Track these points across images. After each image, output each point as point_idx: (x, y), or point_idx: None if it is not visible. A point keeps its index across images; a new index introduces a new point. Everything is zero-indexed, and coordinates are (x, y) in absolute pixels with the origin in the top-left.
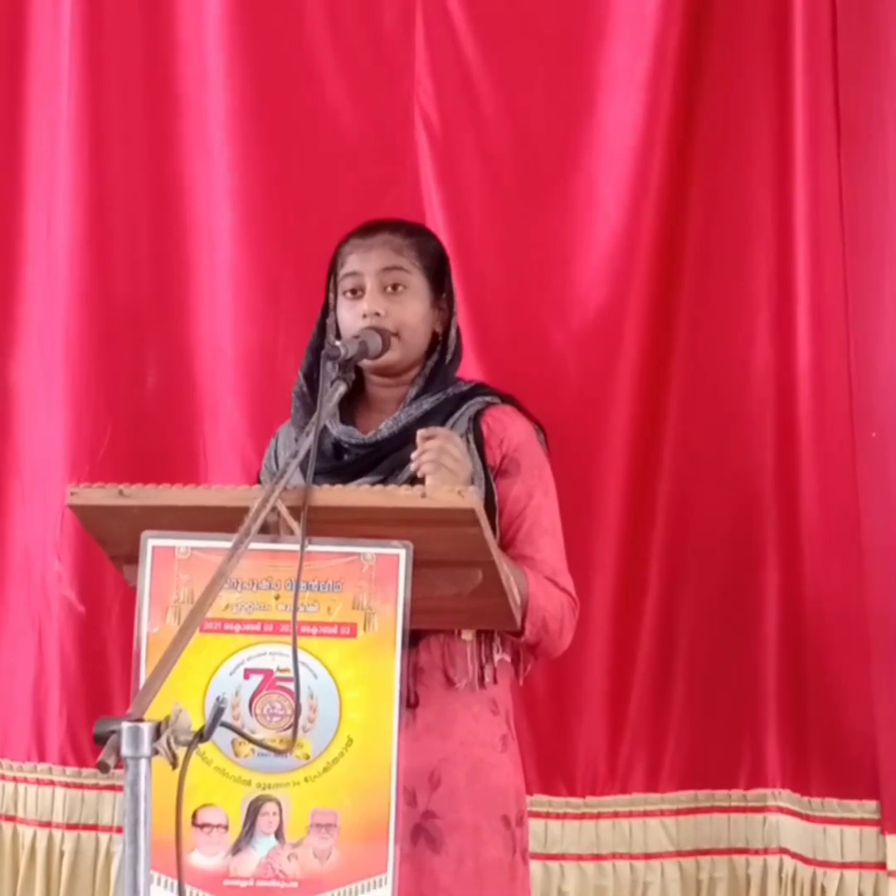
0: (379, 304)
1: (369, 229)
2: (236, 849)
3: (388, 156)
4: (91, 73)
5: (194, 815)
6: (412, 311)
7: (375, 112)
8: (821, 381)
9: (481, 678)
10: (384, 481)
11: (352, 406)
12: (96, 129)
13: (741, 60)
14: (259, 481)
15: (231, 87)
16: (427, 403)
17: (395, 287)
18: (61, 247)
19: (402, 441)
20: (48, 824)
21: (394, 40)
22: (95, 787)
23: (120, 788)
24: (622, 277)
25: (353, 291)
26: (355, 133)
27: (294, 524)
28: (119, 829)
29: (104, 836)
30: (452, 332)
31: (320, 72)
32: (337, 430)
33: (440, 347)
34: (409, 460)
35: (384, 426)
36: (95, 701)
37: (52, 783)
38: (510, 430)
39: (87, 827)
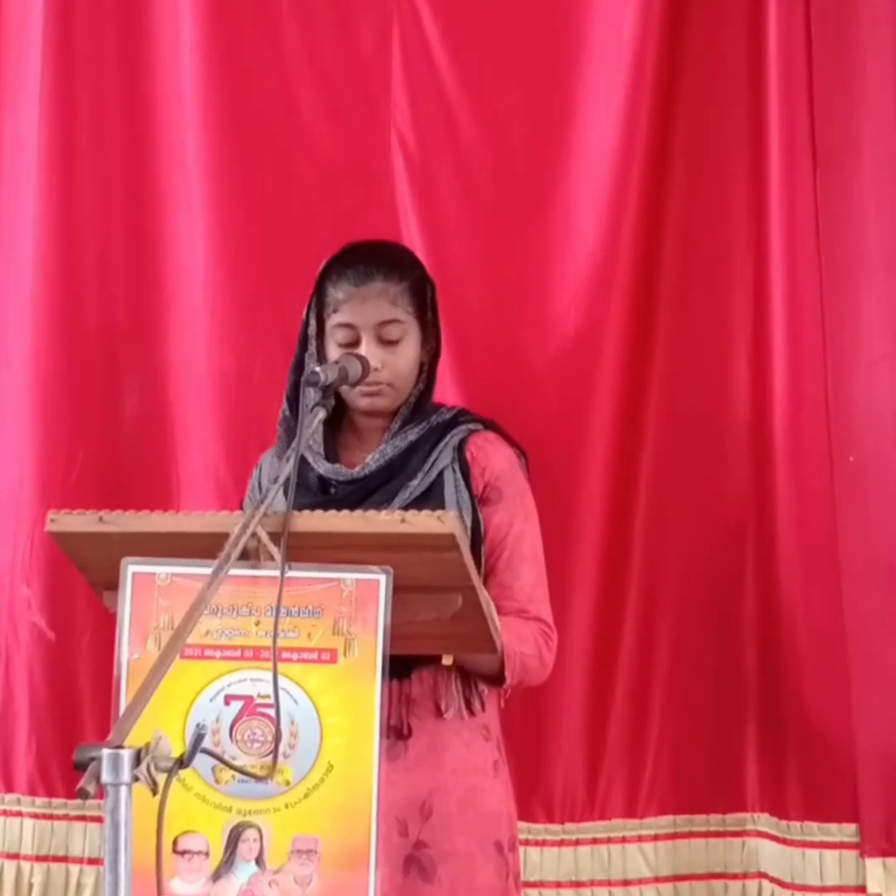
0: (376, 357)
1: (362, 274)
2: (217, 876)
3: (366, 179)
4: (64, 95)
5: (175, 842)
6: (406, 360)
7: (352, 135)
8: (798, 405)
9: (469, 706)
10: None
11: (336, 438)
12: (69, 149)
13: (718, 84)
14: (242, 509)
15: (207, 110)
16: (412, 434)
17: (391, 341)
18: (31, 268)
19: (389, 475)
20: (16, 856)
21: (371, 63)
22: (65, 817)
23: (91, 819)
24: (600, 299)
25: (348, 344)
26: (332, 156)
27: (274, 550)
28: (90, 861)
29: (75, 868)
30: (437, 362)
31: (297, 95)
32: (323, 468)
33: (425, 377)
34: (396, 493)
35: (371, 459)
36: (65, 730)
37: (20, 814)
38: (492, 458)
39: (56, 858)
